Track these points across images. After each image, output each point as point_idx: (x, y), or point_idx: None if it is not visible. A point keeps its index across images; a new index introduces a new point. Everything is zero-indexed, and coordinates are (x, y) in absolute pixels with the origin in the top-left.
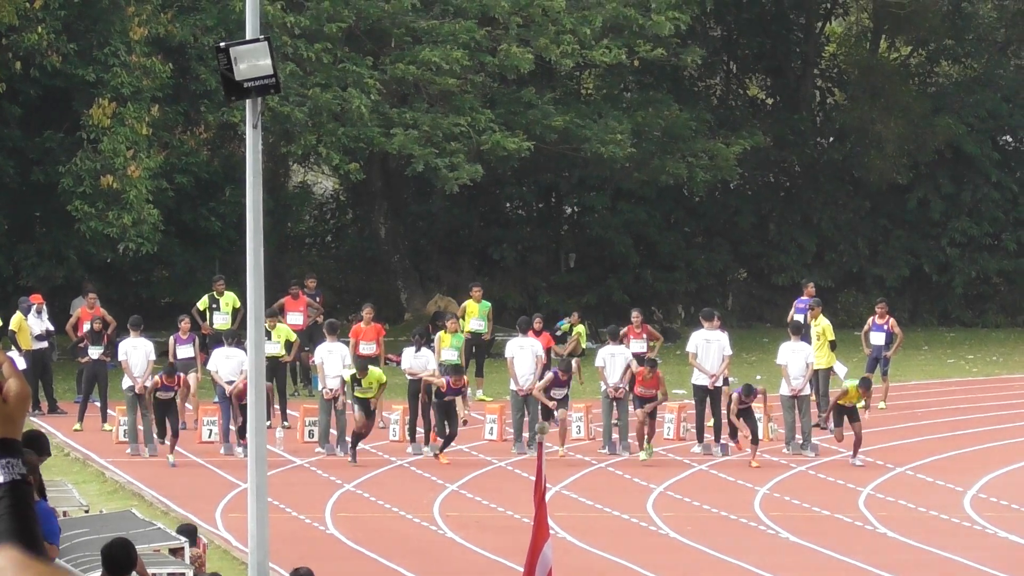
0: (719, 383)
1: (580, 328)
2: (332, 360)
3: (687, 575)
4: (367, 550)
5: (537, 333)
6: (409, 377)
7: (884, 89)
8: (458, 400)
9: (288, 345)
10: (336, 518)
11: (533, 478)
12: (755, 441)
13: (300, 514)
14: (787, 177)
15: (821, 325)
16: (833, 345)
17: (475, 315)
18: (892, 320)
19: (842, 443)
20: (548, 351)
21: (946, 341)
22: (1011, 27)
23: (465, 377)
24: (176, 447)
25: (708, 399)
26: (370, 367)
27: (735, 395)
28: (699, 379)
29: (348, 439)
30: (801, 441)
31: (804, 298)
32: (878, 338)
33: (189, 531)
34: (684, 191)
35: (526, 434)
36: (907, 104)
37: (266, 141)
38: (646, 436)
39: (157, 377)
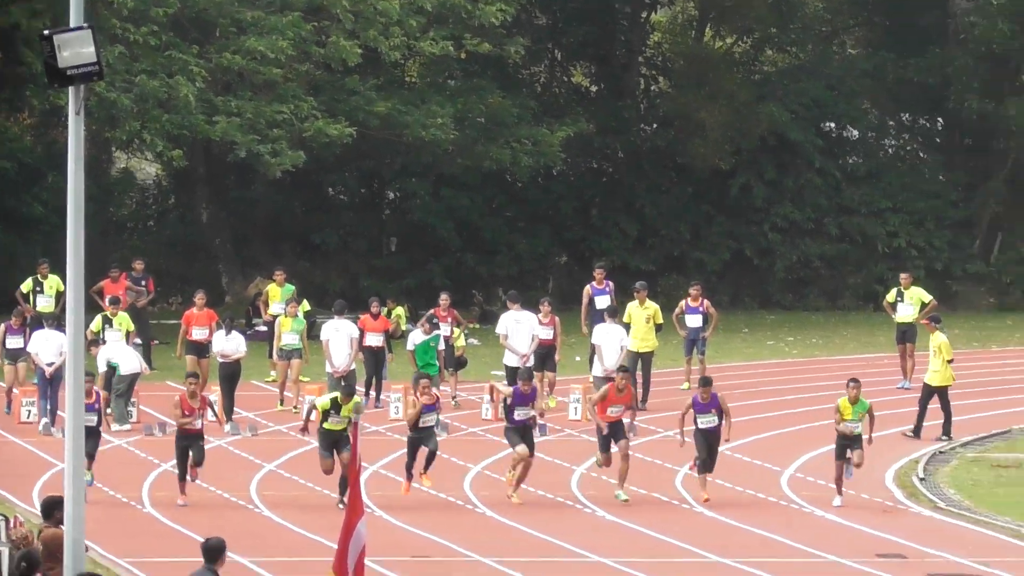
0: (529, 362)
1: (399, 310)
2: (339, 339)
3: (502, 552)
4: (185, 528)
5: (375, 317)
6: (220, 359)
7: (709, 77)
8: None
9: (126, 334)
10: (153, 497)
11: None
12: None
13: (115, 492)
14: (610, 163)
15: (650, 309)
16: (659, 328)
17: (277, 299)
18: (707, 302)
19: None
20: (386, 334)
21: (767, 324)
22: (836, 16)
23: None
24: None
25: None
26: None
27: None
28: (510, 360)
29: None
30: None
31: (596, 285)
32: (694, 320)
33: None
34: (507, 177)
35: None
36: (731, 92)
37: (90, 127)
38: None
39: None
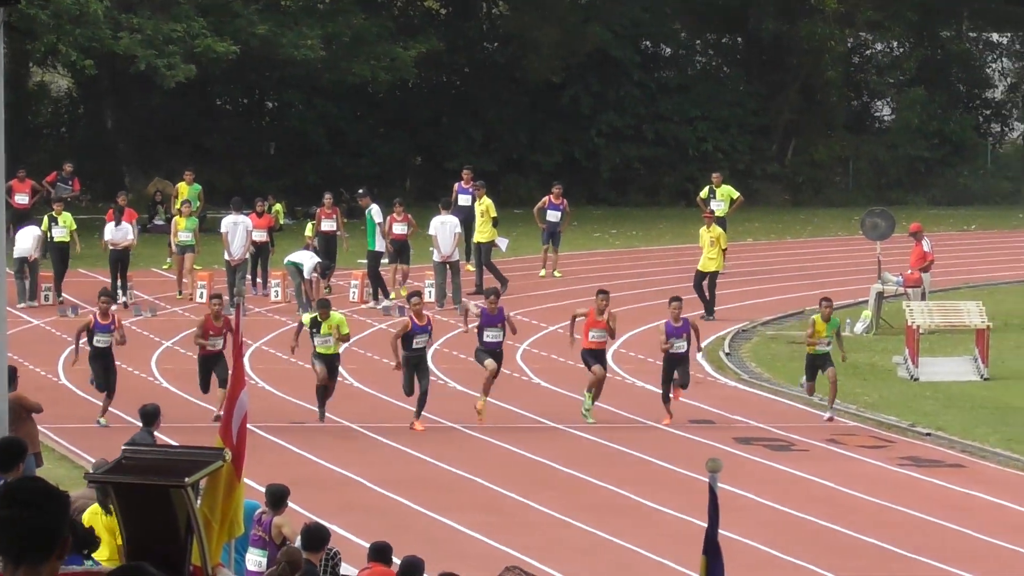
0: (454, 257)
1: (278, 207)
2: (237, 231)
3: (362, 417)
4: (93, 399)
5: (260, 215)
6: (111, 247)
7: (542, 1)
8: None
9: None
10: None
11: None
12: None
13: (35, 367)
14: (458, 77)
15: (484, 203)
16: (495, 222)
17: (184, 196)
18: (565, 201)
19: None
20: (270, 230)
21: (594, 218)
22: None
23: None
24: None
25: (447, 270)
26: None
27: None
28: (436, 256)
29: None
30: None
31: (463, 185)
32: (554, 215)
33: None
34: (369, 89)
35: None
36: (562, 14)
37: (10, 43)
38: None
39: None
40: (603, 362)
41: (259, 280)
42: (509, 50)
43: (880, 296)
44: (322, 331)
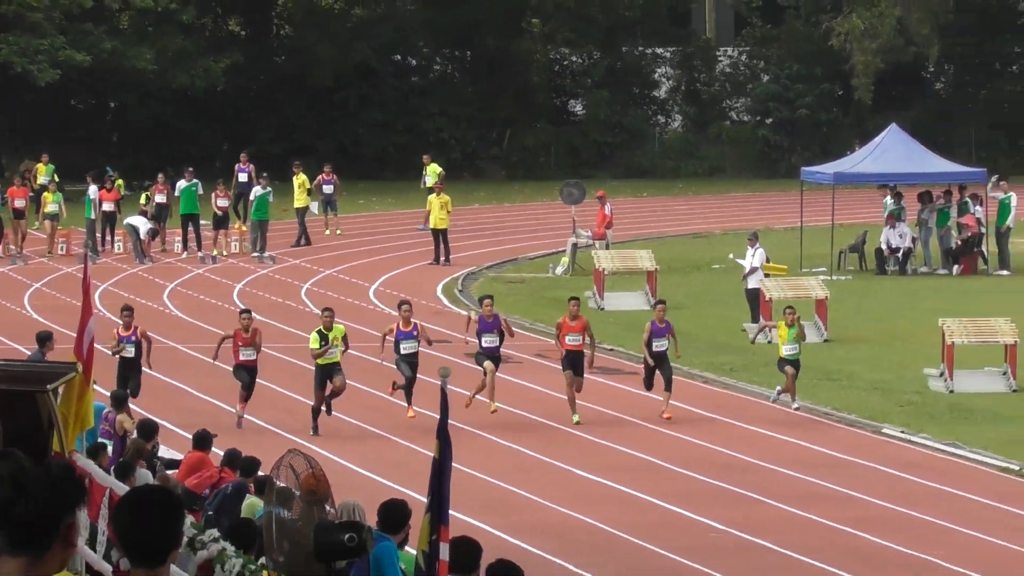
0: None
1: (120, 181)
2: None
3: (187, 339)
4: None
5: (108, 191)
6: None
7: (320, 25)
8: None
9: None
10: None
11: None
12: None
13: None
14: (256, 83)
15: (300, 179)
16: (309, 192)
17: (43, 174)
18: (335, 176)
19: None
20: (117, 202)
21: (359, 190)
22: None
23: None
24: None
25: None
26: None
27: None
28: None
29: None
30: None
31: (242, 166)
32: (328, 188)
33: None
34: (188, 93)
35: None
36: (335, 33)
37: None
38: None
39: None
40: (579, 365)
41: (108, 238)
42: (295, 62)
43: (575, 247)
44: (329, 339)
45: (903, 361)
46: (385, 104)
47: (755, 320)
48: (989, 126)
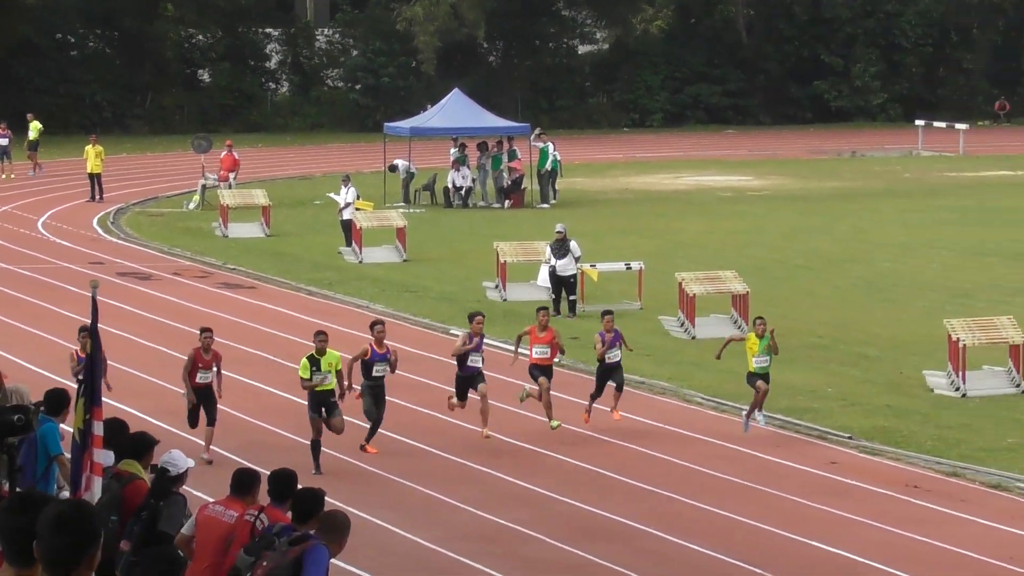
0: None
1: None
2: None
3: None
4: None
5: None
6: None
7: None
8: None
9: None
10: None
11: None
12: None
13: None
14: None
15: (97, 149)
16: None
17: None
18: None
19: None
20: None
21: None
22: None
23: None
24: None
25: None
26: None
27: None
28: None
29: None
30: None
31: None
32: (3, 142)
33: None
34: None
35: None
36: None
37: None
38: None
39: None
40: (549, 376)
41: None
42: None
43: (204, 187)
44: (322, 367)
45: (466, 276)
46: (49, 74)
47: (348, 244)
48: (531, 90)
